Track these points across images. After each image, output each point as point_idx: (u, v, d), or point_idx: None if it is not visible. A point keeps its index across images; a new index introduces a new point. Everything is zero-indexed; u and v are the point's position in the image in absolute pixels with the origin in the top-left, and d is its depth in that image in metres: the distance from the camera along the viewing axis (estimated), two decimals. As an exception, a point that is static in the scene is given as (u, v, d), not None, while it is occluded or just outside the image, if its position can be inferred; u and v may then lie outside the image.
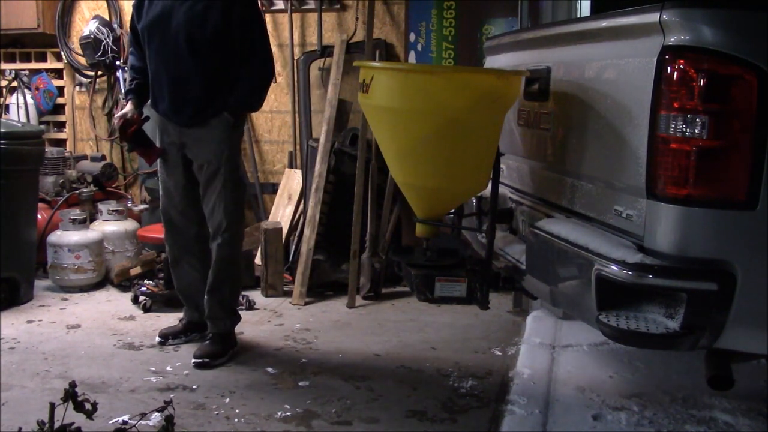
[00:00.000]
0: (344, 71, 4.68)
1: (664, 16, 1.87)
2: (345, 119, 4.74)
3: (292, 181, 5.03)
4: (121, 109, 3.43)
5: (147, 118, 3.41)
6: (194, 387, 3.13)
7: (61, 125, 5.72)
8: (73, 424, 2.10)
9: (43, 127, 5.06)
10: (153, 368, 3.32)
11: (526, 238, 2.55)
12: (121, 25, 5.25)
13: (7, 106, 5.53)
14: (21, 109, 5.47)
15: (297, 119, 5.08)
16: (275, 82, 5.10)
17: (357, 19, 4.88)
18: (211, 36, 3.19)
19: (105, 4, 5.31)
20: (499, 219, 2.77)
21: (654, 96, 1.90)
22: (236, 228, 3.42)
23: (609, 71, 2.17)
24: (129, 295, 4.34)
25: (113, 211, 4.83)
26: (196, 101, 3.26)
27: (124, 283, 4.55)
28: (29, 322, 4.00)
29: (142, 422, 2.61)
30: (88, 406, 2.05)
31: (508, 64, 2.98)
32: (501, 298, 4.17)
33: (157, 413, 2.66)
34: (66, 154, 5.26)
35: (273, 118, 5.24)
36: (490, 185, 2.57)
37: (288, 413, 2.90)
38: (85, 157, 5.38)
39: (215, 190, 3.33)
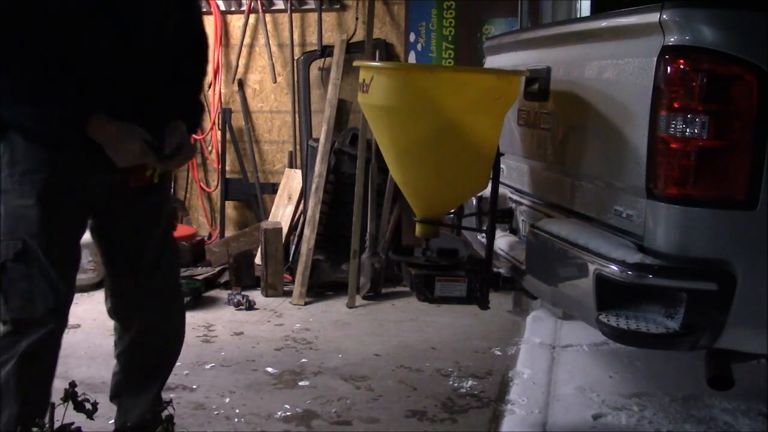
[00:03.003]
0: (344, 71, 4.68)
1: (664, 16, 1.87)
2: (345, 119, 4.75)
3: (292, 181, 5.03)
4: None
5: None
6: (194, 387, 3.12)
7: (61, 125, 5.71)
8: (73, 424, 2.09)
9: (43, 127, 5.04)
10: (153, 368, 3.32)
11: (526, 238, 2.55)
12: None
13: (7, 106, 5.52)
14: (21, 109, 5.46)
15: (297, 119, 5.07)
16: (275, 82, 5.11)
17: (357, 19, 4.88)
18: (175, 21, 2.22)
19: (105, 4, 5.31)
20: (499, 219, 2.77)
21: (654, 96, 1.89)
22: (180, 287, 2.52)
23: (609, 71, 2.17)
24: (129, 295, 4.34)
25: (113, 211, 4.83)
26: (163, 106, 2.21)
27: (124, 283, 4.55)
28: (29, 322, 3.99)
29: (142, 422, 2.61)
30: (88, 406, 2.04)
31: (508, 64, 2.98)
32: (501, 298, 4.16)
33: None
34: (66, 154, 5.24)
35: (273, 118, 5.24)
36: (490, 185, 2.57)
37: (288, 413, 2.90)
38: (85, 157, 5.37)
39: (160, 228, 2.31)
